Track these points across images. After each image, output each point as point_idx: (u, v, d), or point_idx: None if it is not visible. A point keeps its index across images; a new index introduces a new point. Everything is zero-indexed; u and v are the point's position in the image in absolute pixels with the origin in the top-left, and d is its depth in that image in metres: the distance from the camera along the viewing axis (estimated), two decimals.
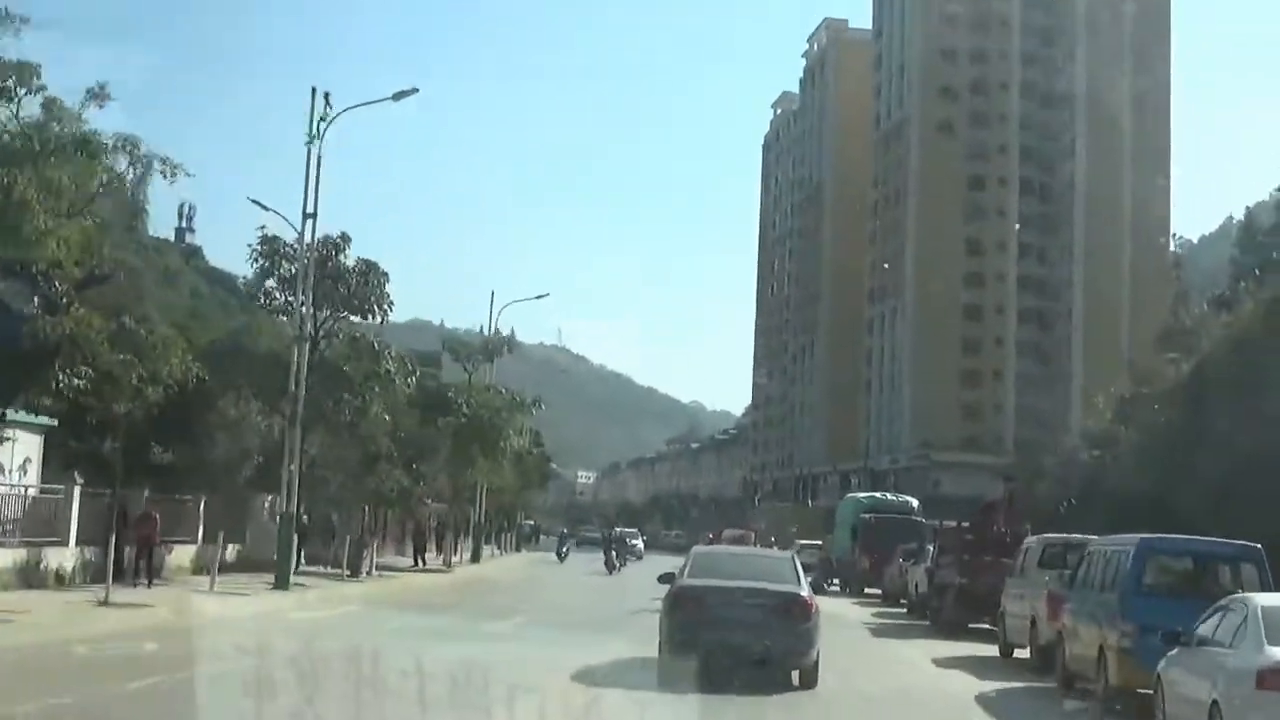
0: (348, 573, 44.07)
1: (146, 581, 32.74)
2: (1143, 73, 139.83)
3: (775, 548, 54.63)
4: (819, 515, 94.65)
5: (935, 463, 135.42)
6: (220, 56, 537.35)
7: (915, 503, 62.76)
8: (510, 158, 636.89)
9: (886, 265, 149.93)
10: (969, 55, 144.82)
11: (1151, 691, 17.92)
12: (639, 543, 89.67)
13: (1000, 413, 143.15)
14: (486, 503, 72.98)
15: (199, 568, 38.38)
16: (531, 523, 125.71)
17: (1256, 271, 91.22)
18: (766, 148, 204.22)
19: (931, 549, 41.52)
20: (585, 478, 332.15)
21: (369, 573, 46.24)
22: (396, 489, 45.39)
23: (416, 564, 56.28)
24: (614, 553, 66.32)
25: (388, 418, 42.41)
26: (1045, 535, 30.16)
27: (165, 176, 27.64)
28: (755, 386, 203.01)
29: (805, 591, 21.27)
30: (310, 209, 37.20)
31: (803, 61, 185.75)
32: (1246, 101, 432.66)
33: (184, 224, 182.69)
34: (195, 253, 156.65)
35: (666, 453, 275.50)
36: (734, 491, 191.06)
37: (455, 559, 63.76)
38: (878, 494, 69.10)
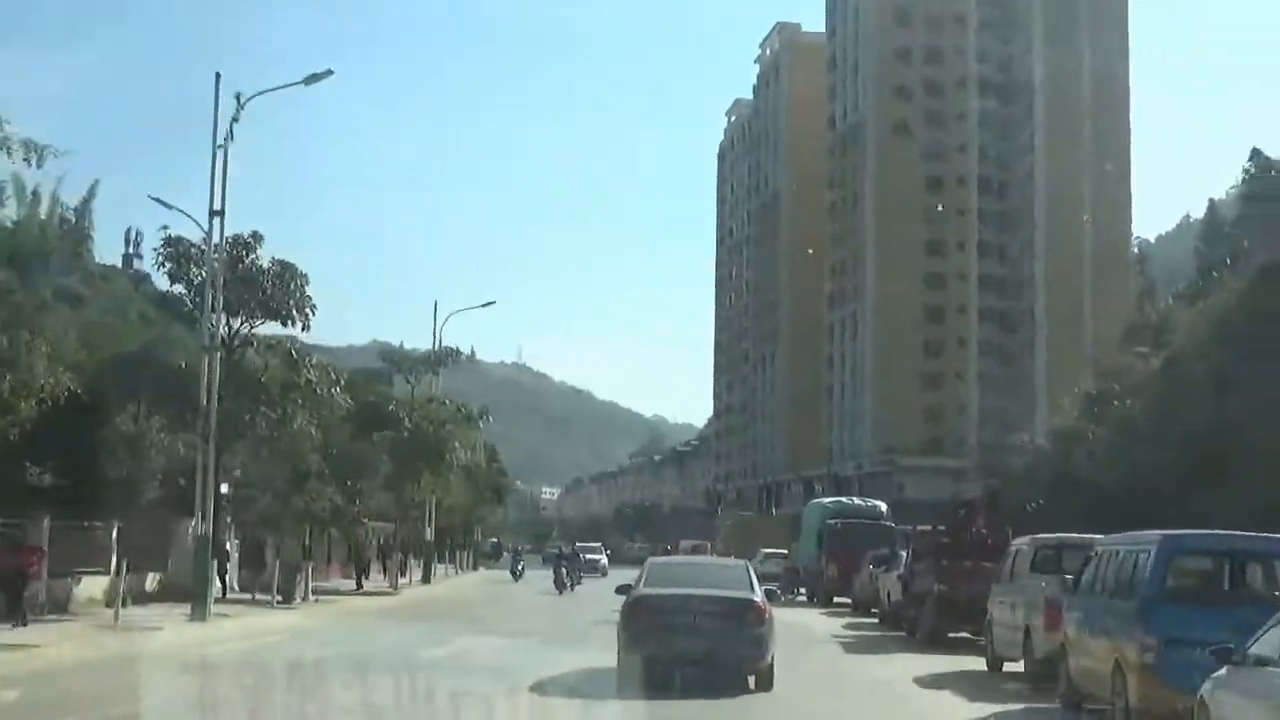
0: (279, 599, 40.57)
1: (21, 619, 29.01)
2: (1101, 67, 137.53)
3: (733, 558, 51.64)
4: (783, 523, 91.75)
5: (899, 467, 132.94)
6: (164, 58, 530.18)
7: (884, 507, 59.37)
8: (464, 178, 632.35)
9: (846, 267, 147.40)
10: (924, 54, 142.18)
11: (1185, 715, 14.78)
12: (602, 558, 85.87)
13: (963, 414, 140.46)
14: (439, 520, 69.66)
15: (112, 600, 34.77)
16: (495, 540, 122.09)
17: (1227, 261, 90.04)
18: (721, 156, 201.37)
19: (905, 554, 38.35)
20: (549, 494, 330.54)
21: (304, 598, 42.83)
22: (329, 508, 41.89)
23: (359, 587, 52.85)
24: (564, 570, 60.49)
25: (314, 432, 38.83)
26: (1037, 536, 26.78)
27: (30, 163, 24.42)
28: (716, 396, 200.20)
29: (759, 597, 21.60)
30: (218, 206, 33.83)
31: (756, 68, 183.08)
32: (1198, 100, 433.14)
33: (131, 249, 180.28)
34: (145, 279, 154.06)
35: (629, 466, 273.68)
36: (698, 502, 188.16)
37: (404, 580, 60.29)
38: (844, 499, 65.27)
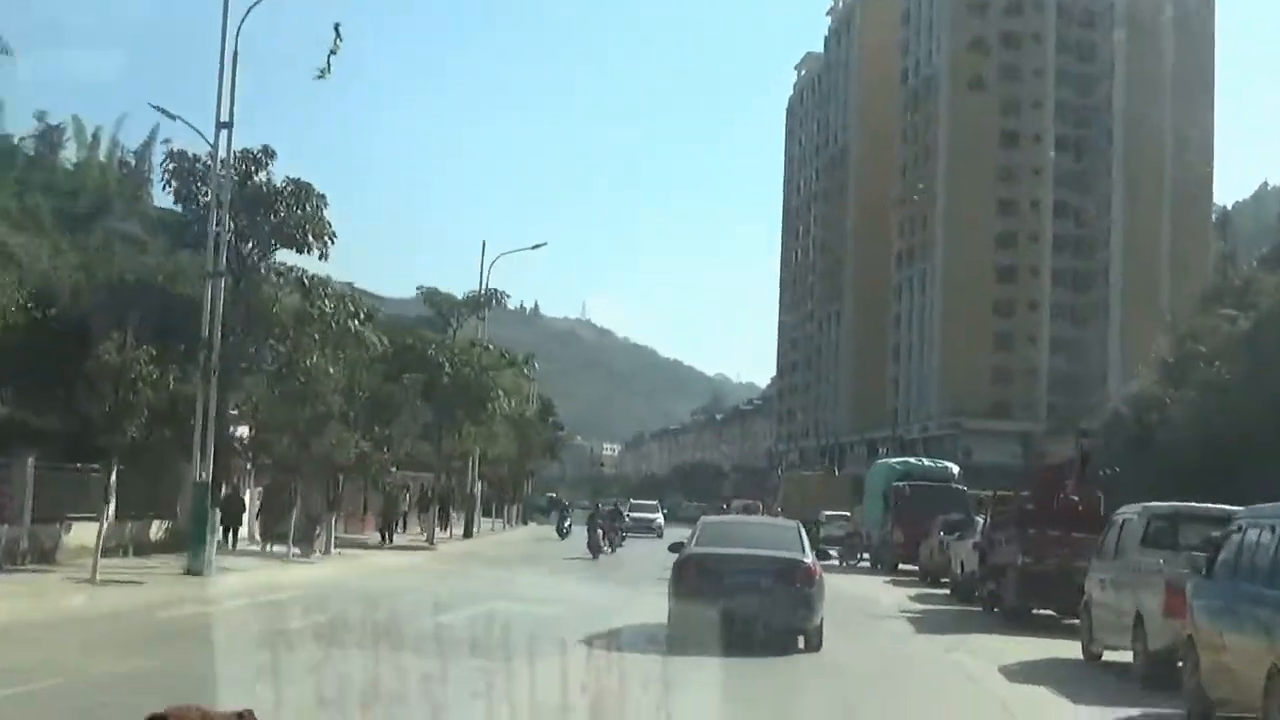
0: (295, 552, 37.11)
1: None
2: (1184, 27, 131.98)
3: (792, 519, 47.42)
4: (846, 484, 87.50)
5: (965, 430, 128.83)
6: None
7: (955, 469, 54.87)
8: (524, 129, 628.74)
9: (915, 225, 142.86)
10: (1001, 7, 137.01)
11: None
12: (657, 517, 79.24)
13: (1033, 378, 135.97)
14: (488, 472, 66.43)
15: (112, 548, 31.33)
16: (550, 495, 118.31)
17: None
18: (790, 112, 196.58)
19: (981, 521, 34.35)
20: (610, 450, 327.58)
21: (325, 551, 39.35)
22: (353, 455, 38.23)
23: (384, 541, 49.32)
24: (601, 532, 52.00)
25: (333, 370, 35.03)
26: (1149, 505, 22.51)
27: None
28: (780, 354, 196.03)
29: (808, 558, 21.83)
30: (225, 117, 30.17)
31: (828, 20, 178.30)
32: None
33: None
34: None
35: (691, 424, 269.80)
36: (760, 462, 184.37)
37: (443, 534, 56.78)
38: (912, 459, 60.29)
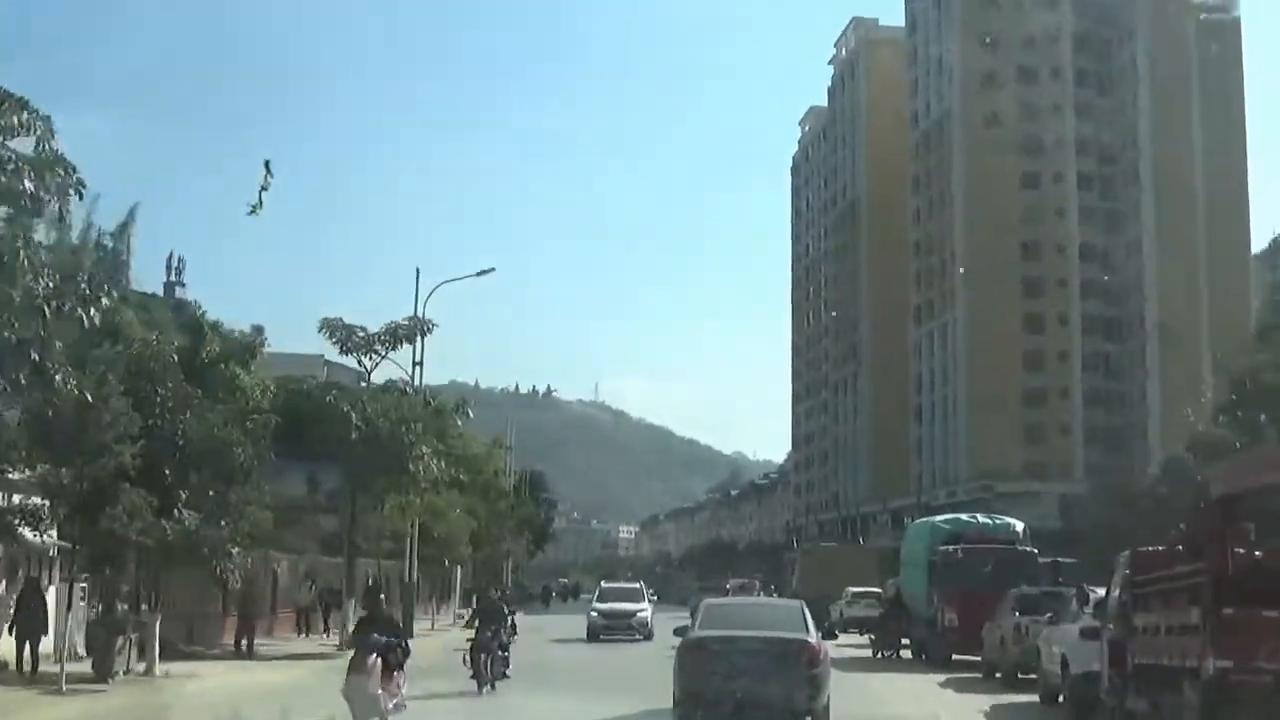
0: (75, 678, 24.44)
1: None
2: (1210, 48, 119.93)
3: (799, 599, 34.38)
4: (872, 557, 74.97)
5: (998, 494, 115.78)
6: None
7: (1019, 526, 40.74)
8: (537, 216, 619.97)
9: (933, 276, 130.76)
10: (1015, 41, 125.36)
11: None
12: (642, 608, 50.56)
13: (1067, 435, 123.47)
14: (437, 555, 53.98)
15: None
16: (552, 584, 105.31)
17: None
18: (795, 169, 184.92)
19: (1113, 595, 21.13)
20: (627, 533, 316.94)
21: (128, 670, 26.57)
22: (165, 531, 25.69)
23: (240, 650, 36.44)
24: (484, 657, 26.99)
25: (111, 402, 22.49)
26: None
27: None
28: (794, 425, 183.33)
29: (813, 638, 21.06)
30: None
31: (830, 70, 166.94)
32: None
33: (173, 277, 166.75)
34: (182, 306, 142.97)
35: (706, 502, 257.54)
36: (779, 538, 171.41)
37: (330, 639, 43.63)
38: (964, 516, 44.80)
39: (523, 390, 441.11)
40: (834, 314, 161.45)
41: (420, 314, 44.33)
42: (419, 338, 42.33)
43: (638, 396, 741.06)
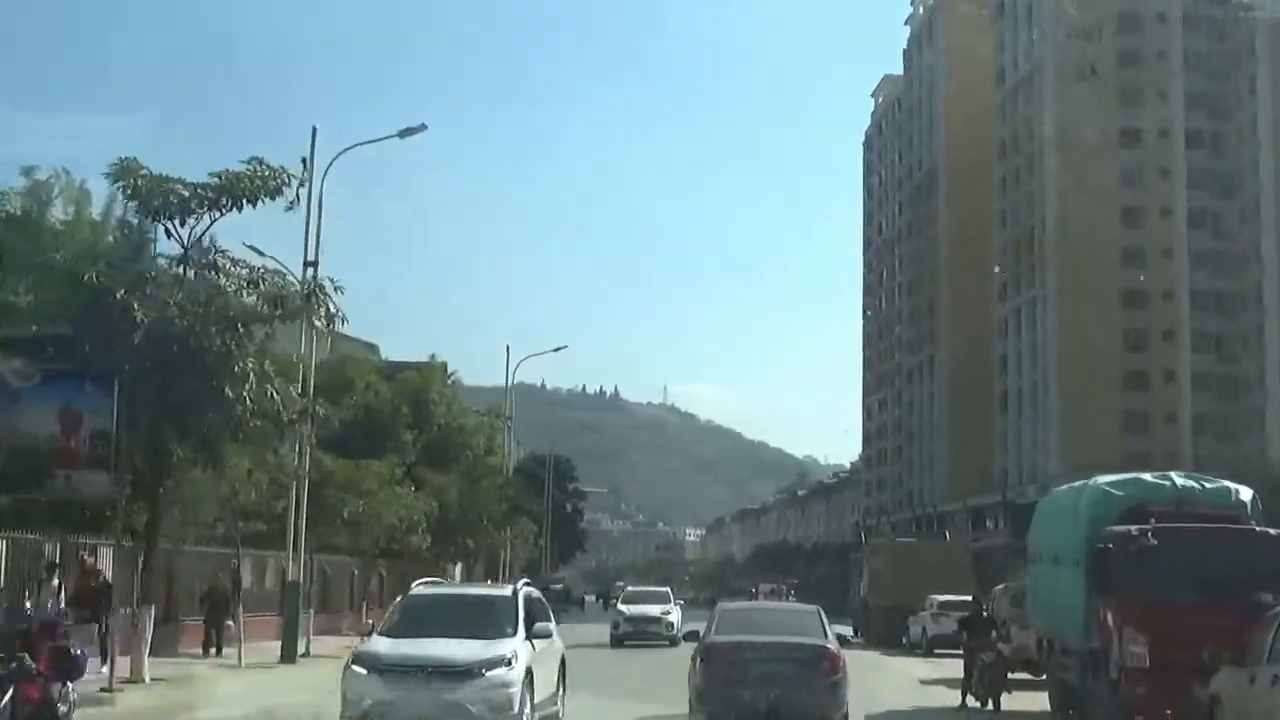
0: None
1: None
2: None
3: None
4: (964, 556, 59.12)
5: None
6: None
7: (1245, 493, 23.40)
8: (603, 223, 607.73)
9: (1020, 248, 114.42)
10: None
11: None
12: (669, 611, 46.17)
13: (1174, 423, 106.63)
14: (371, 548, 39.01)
15: None
16: (560, 583, 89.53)
17: None
18: (868, 144, 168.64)
19: None
20: (693, 536, 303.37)
21: None
22: None
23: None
24: None
25: None
26: None
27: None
28: (865, 417, 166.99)
29: (832, 644, 19.86)
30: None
31: (905, 32, 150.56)
32: None
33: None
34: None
35: (773, 503, 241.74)
36: (847, 539, 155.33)
37: (226, 653, 29.01)
38: (1147, 476, 26.21)
39: (590, 391, 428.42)
40: (909, 295, 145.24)
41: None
42: (293, 196, 26.17)
43: (707, 399, 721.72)
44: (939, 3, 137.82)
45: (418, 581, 21.40)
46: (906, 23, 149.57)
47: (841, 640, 20.97)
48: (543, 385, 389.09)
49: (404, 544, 41.56)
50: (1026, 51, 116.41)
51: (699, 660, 19.77)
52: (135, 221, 29.80)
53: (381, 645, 17.77)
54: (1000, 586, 32.61)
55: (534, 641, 18.31)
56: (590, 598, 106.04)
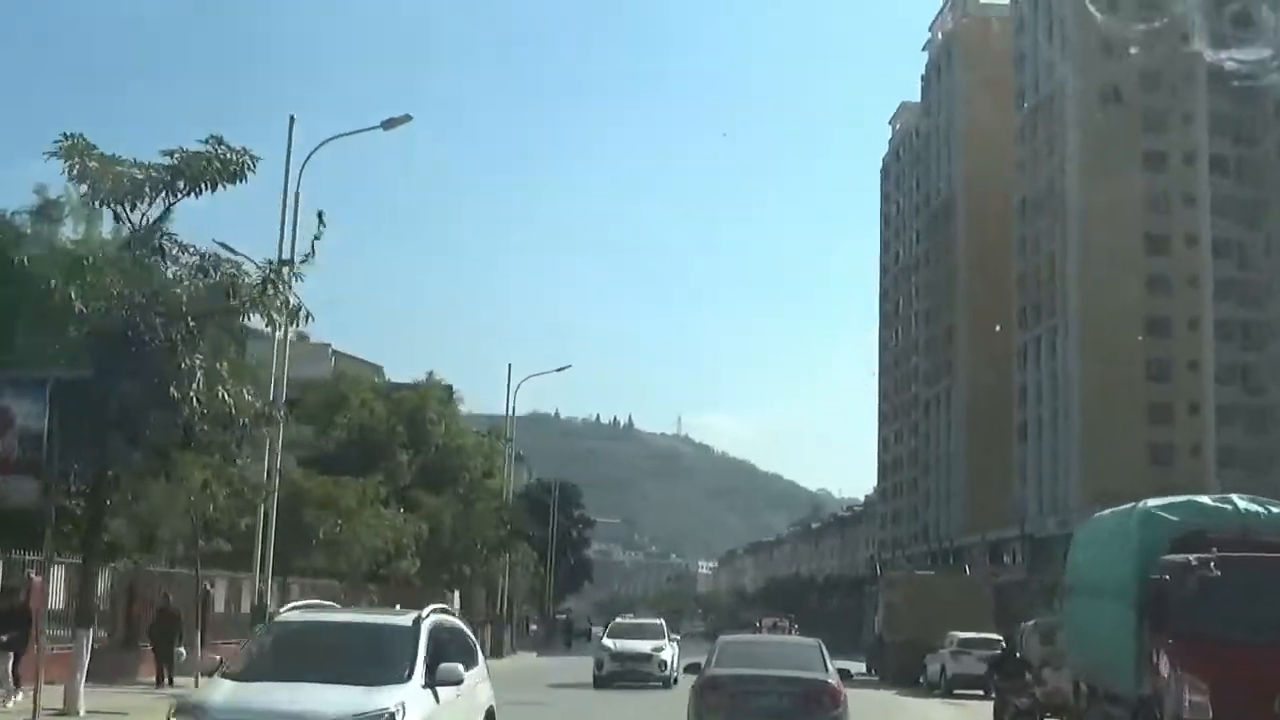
0: None
1: None
2: None
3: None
4: (985, 591, 56.18)
5: None
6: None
7: None
8: (617, 250, 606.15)
9: (1040, 275, 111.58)
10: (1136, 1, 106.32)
11: None
12: (662, 647, 40.57)
13: (1199, 456, 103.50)
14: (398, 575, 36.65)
15: None
16: (565, 614, 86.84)
17: None
18: (884, 172, 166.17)
19: None
20: (705, 568, 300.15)
21: None
22: None
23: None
24: None
25: None
26: None
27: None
28: (881, 449, 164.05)
29: (832, 678, 19.49)
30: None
31: (924, 59, 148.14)
32: None
33: None
34: None
35: (786, 536, 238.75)
36: (861, 573, 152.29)
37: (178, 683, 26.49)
38: (1205, 499, 23.18)
39: (604, 420, 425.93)
40: (926, 324, 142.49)
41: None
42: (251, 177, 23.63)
43: (722, 430, 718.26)
44: (958, 28, 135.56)
45: (289, 605, 17.38)
46: (924, 48, 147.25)
47: (843, 675, 20.38)
48: (556, 414, 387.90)
49: (392, 569, 38.86)
50: (1047, 73, 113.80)
51: (698, 693, 19.59)
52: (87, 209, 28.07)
53: (218, 693, 13.14)
54: (1029, 623, 29.85)
55: (437, 689, 13.60)
56: (596, 629, 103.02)
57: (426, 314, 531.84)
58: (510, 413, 58.72)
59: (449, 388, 55.79)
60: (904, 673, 45.99)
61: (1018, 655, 25.68)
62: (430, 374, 55.72)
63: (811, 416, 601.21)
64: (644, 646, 40.31)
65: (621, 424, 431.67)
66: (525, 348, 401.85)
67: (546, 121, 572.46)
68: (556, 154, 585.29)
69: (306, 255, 23.32)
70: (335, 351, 71.04)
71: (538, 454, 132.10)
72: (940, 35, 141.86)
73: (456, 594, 61.30)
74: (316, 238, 23.70)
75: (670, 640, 42.37)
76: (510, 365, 57.97)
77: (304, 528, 31.26)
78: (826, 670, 19.69)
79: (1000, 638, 35.83)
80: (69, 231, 30.04)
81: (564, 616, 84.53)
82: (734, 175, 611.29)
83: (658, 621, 46.45)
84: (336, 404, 46.22)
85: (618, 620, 46.93)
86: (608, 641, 41.63)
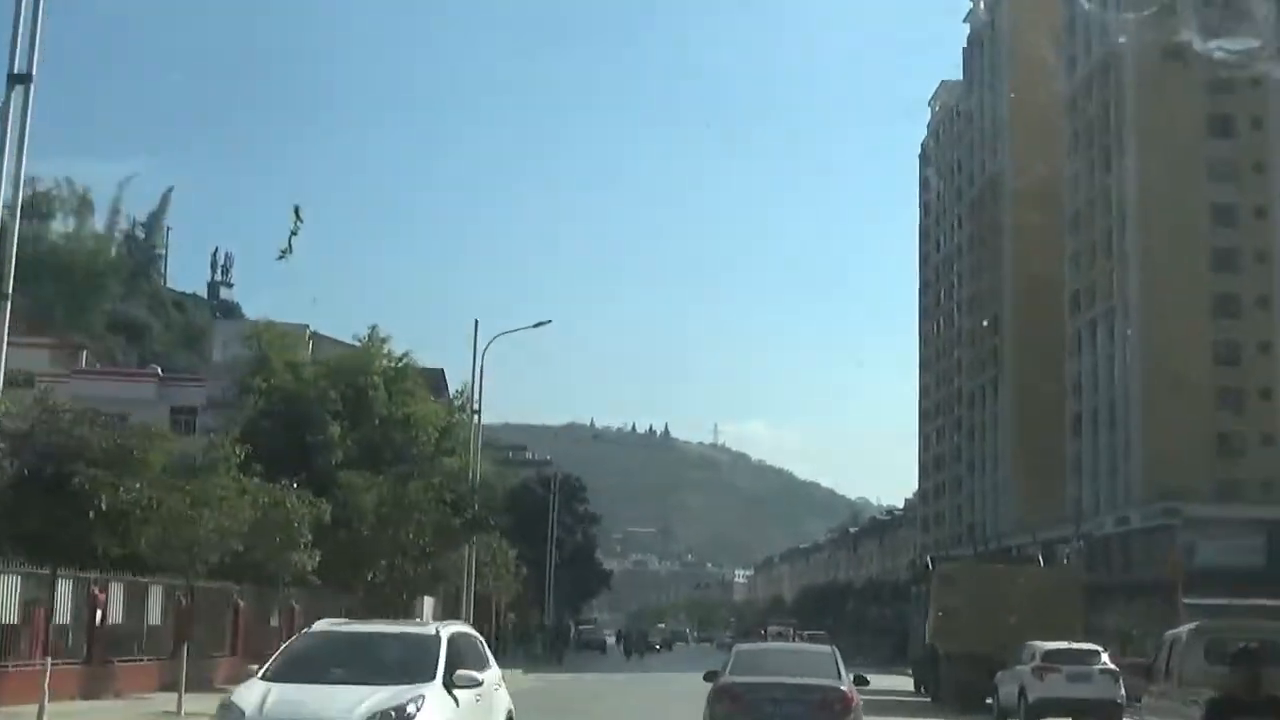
0: None
1: None
2: None
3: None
4: (1061, 583, 45.41)
5: (1187, 520, 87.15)
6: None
7: None
8: (655, 260, 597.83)
9: (1095, 253, 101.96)
10: None
11: None
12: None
13: (1271, 446, 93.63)
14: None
15: None
16: (581, 623, 77.42)
17: None
18: (924, 157, 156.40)
19: None
20: (742, 577, 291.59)
21: None
22: None
23: None
24: None
25: None
26: None
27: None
28: (922, 448, 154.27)
29: (845, 685, 19.46)
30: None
31: (964, 31, 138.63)
32: None
33: (218, 276, 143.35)
34: (232, 310, 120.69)
35: (824, 542, 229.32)
36: (901, 577, 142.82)
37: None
38: None
39: (640, 430, 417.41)
40: (970, 313, 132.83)
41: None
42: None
43: (759, 438, 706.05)
44: None
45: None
46: (965, 19, 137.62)
47: (857, 680, 20.14)
48: (591, 424, 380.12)
49: (281, 562, 29.43)
50: (1101, 35, 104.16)
51: (713, 700, 19.89)
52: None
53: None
54: (1190, 626, 20.27)
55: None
56: (611, 639, 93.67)
57: (462, 321, 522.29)
58: (478, 374, 46.82)
59: (401, 355, 44.75)
60: (965, 694, 35.78)
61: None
62: (374, 329, 44.46)
63: (850, 424, 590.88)
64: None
65: (658, 433, 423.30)
66: (561, 359, 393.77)
67: (576, 138, 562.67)
68: (583, 160, 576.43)
69: (284, 251, 23.52)
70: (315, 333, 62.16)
71: (572, 463, 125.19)
72: (982, 3, 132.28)
73: (429, 601, 52.09)
74: (293, 233, 24.01)
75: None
76: (477, 321, 46.42)
77: (71, 496, 21.47)
78: (840, 677, 19.73)
79: (1097, 648, 26.45)
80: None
81: (589, 626, 74.75)
82: (772, 190, 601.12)
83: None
84: (256, 367, 37.23)
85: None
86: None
